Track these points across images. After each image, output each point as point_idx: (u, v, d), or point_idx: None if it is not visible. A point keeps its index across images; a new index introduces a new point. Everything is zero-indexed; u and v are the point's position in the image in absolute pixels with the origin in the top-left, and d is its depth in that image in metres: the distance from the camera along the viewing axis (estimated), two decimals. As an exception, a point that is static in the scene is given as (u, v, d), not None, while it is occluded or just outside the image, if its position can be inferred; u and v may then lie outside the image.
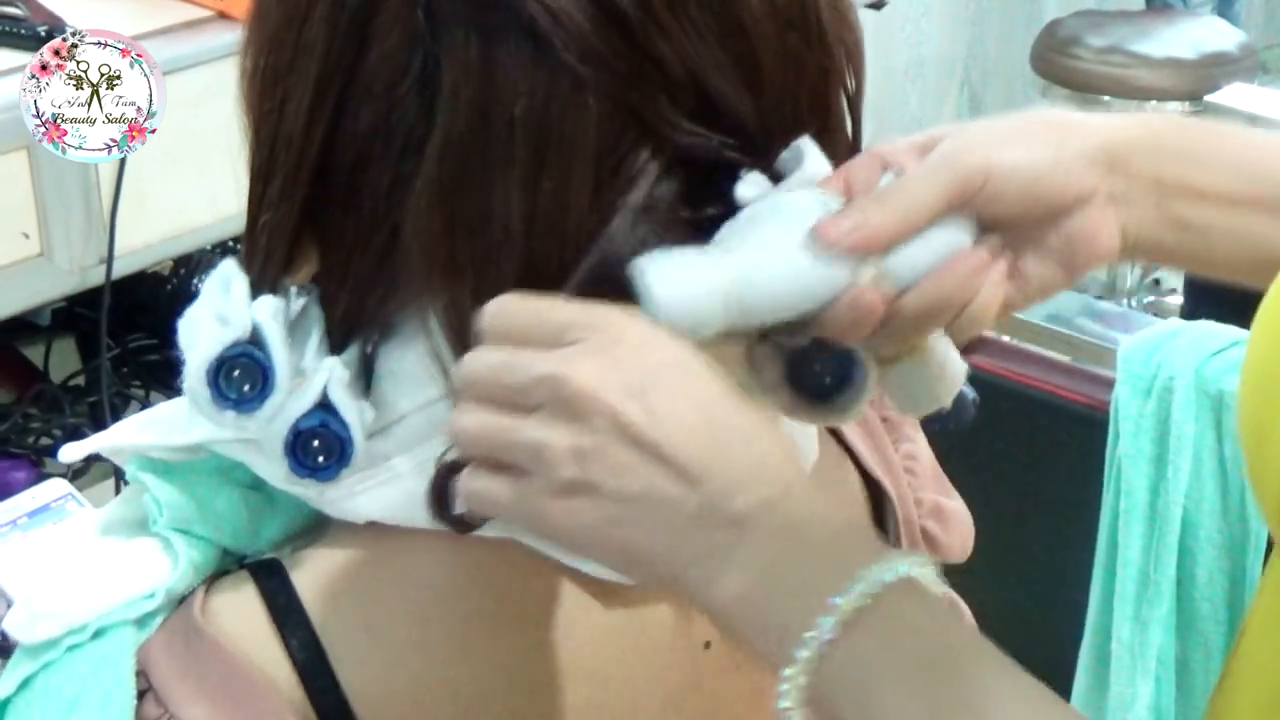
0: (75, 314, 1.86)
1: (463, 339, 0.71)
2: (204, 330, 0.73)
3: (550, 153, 0.69)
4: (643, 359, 0.68)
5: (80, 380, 1.88)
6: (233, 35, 1.73)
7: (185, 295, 1.86)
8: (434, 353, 0.73)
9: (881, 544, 0.68)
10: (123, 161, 1.66)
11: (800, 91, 0.75)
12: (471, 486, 0.70)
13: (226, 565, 0.78)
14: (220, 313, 0.74)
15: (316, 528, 0.79)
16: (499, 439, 0.68)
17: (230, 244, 1.84)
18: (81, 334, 1.90)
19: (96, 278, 1.68)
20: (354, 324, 0.75)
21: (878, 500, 0.89)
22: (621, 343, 0.68)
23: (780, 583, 0.66)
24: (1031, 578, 2.04)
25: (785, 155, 0.74)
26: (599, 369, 0.67)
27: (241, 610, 0.75)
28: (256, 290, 0.74)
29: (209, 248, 1.83)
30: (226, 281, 0.75)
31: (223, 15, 1.80)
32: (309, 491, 0.76)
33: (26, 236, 1.63)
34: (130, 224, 1.69)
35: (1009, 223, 0.75)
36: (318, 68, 0.72)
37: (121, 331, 1.86)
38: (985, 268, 0.74)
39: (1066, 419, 1.96)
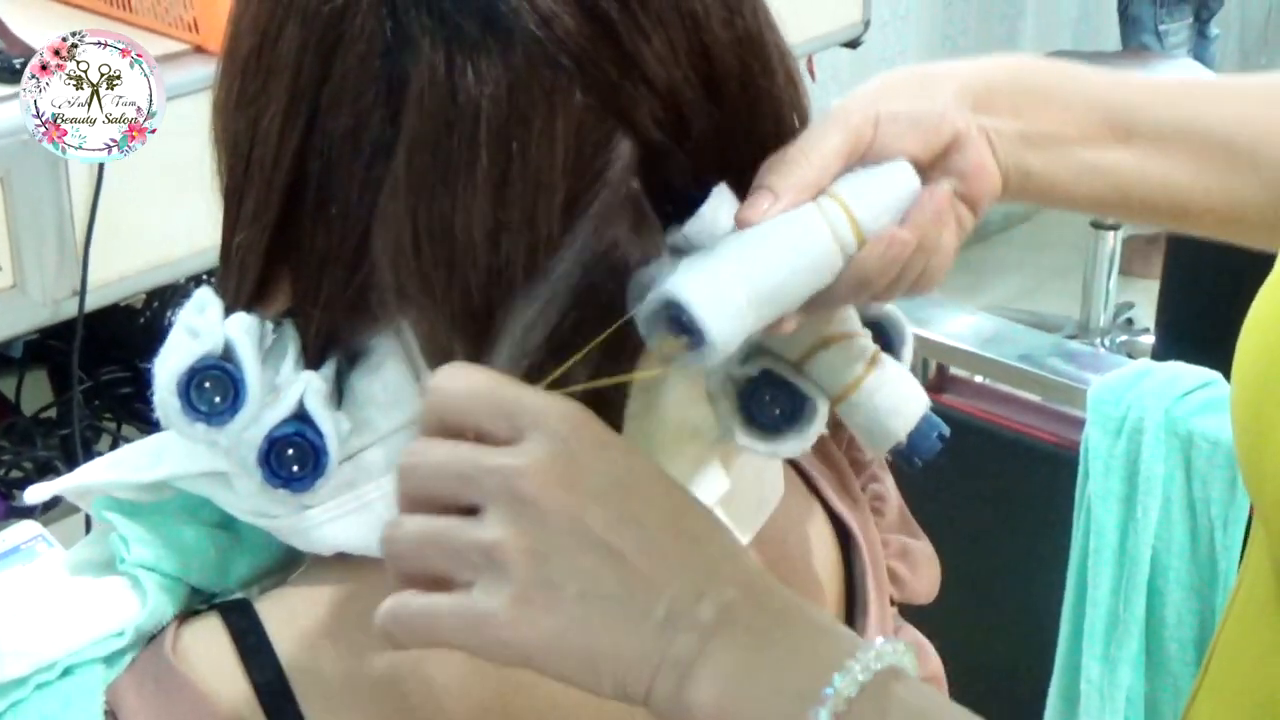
0: (48, 346, 1.86)
1: (435, 350, 0.71)
2: (174, 345, 0.74)
3: (515, 162, 0.70)
4: (603, 462, 0.67)
5: (52, 413, 1.87)
6: (209, 69, 1.73)
7: (158, 328, 1.86)
8: (408, 372, 0.74)
9: (853, 635, 0.68)
10: (97, 193, 1.66)
11: (758, 116, 0.76)
12: (407, 609, 0.66)
13: (195, 604, 0.78)
14: (192, 327, 0.74)
15: (285, 566, 0.79)
16: (445, 543, 0.65)
17: (204, 277, 1.84)
18: (54, 366, 1.90)
19: (69, 310, 1.68)
20: (329, 341, 0.75)
21: (844, 540, 0.89)
22: (580, 443, 0.66)
23: (755, 687, 0.64)
24: (1001, 617, 2.04)
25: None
26: (557, 469, 0.65)
27: (211, 649, 0.75)
28: (230, 311, 0.75)
29: (183, 280, 1.83)
30: (201, 305, 0.75)
31: (199, 49, 1.80)
32: (277, 523, 0.76)
33: (-1, 268, 1.63)
34: (104, 256, 1.68)
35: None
36: (288, 86, 0.72)
37: (94, 364, 1.86)
38: (949, 201, 0.79)
39: (1037, 458, 1.97)
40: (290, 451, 0.73)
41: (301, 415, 0.73)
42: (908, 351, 0.84)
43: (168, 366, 0.73)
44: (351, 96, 0.71)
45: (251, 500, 0.75)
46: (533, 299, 0.70)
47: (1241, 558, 1.83)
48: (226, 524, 0.78)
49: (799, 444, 0.78)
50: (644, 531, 0.66)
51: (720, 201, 0.74)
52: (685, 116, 0.73)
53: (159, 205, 1.72)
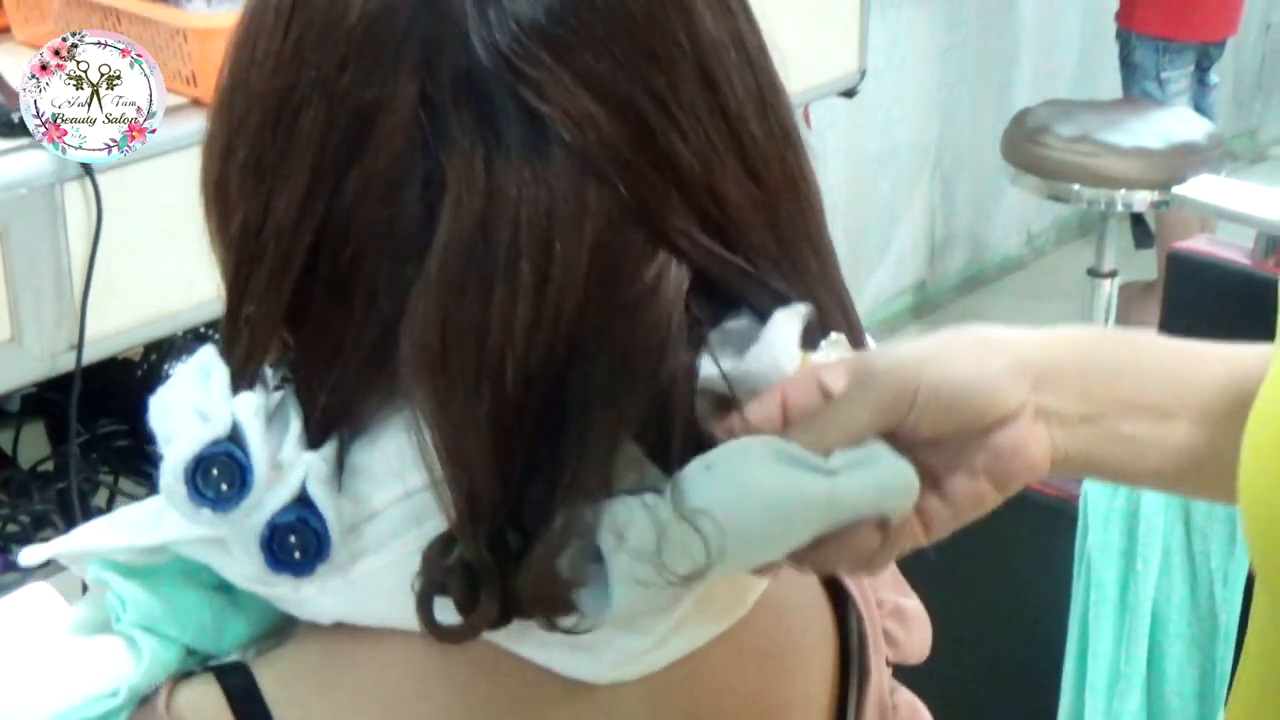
0: (45, 399, 1.86)
1: (450, 443, 0.71)
2: (182, 425, 0.73)
3: (555, 265, 0.70)
4: None
5: (49, 466, 1.87)
6: (207, 123, 1.74)
7: (155, 381, 1.85)
8: (416, 448, 0.72)
9: None
10: (94, 247, 1.66)
11: (801, 209, 0.77)
12: None
13: (190, 666, 0.77)
14: (200, 408, 0.73)
15: (282, 629, 0.78)
16: None
17: (203, 330, 1.84)
18: (51, 419, 1.90)
19: (67, 363, 1.68)
20: (334, 420, 0.74)
21: (839, 599, 0.89)
22: None
23: None
24: (1002, 670, 2.03)
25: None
26: None
27: (207, 711, 0.74)
28: (236, 381, 0.74)
29: (181, 333, 1.83)
30: (206, 371, 0.74)
31: (197, 102, 1.80)
32: (274, 591, 0.75)
33: (-3, 322, 1.63)
34: (102, 310, 1.69)
35: (935, 441, 0.76)
36: (311, 163, 0.71)
37: (91, 417, 1.86)
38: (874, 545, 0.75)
39: (1036, 511, 1.96)
40: (293, 538, 0.72)
41: (304, 500, 0.72)
42: None
43: (175, 452, 0.72)
44: (384, 192, 0.71)
45: (248, 568, 0.74)
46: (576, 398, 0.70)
47: (1243, 612, 1.82)
48: (223, 587, 0.77)
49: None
50: None
51: (782, 328, 0.74)
52: (726, 212, 0.73)
53: (156, 259, 1.72)
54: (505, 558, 0.70)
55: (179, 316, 1.77)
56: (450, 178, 0.70)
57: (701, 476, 0.71)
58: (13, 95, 1.71)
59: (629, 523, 0.69)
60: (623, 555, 0.69)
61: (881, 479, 0.73)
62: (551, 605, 0.71)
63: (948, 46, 4.62)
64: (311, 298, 0.73)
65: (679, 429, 0.72)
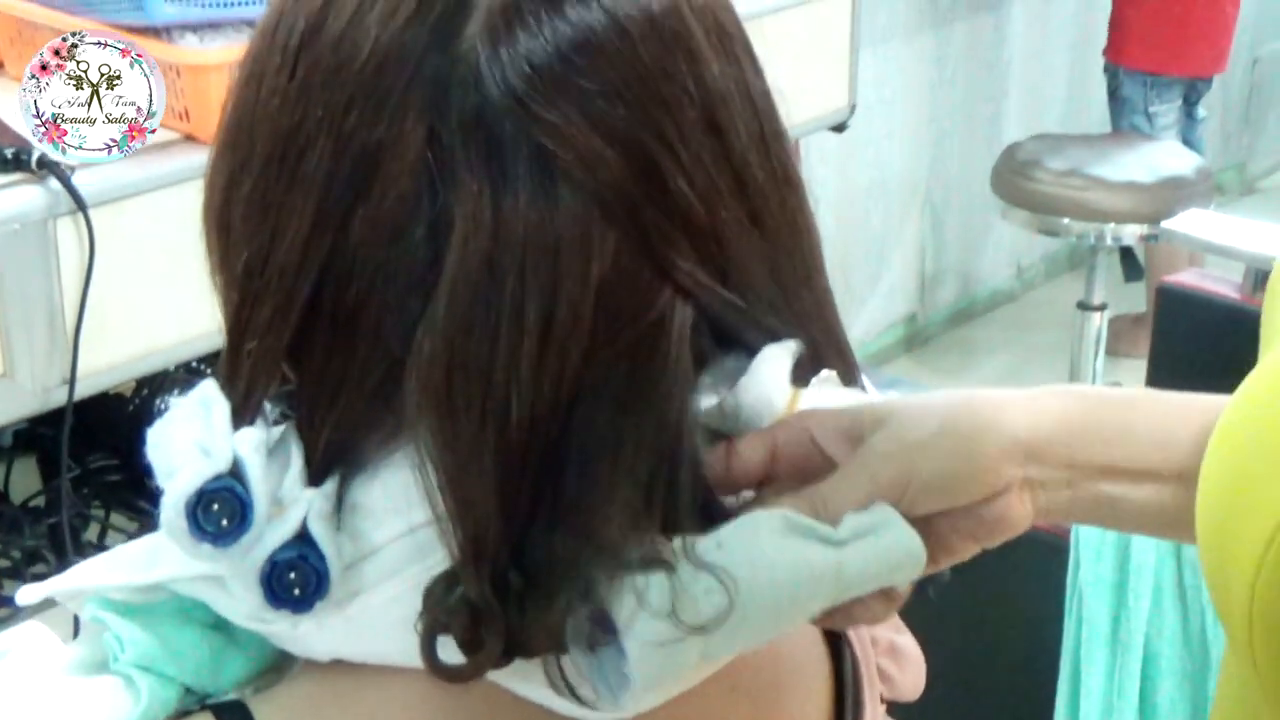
0: (36, 434, 1.86)
1: (455, 481, 0.71)
2: (183, 459, 0.73)
3: (560, 306, 0.70)
4: None
5: (40, 501, 1.87)
6: (200, 158, 1.74)
7: (147, 415, 1.86)
8: (420, 487, 0.72)
9: None
10: (87, 282, 1.66)
11: (800, 250, 0.78)
12: None
13: (188, 705, 0.77)
14: (201, 443, 0.73)
15: (280, 665, 0.78)
16: None
17: (194, 364, 1.84)
18: (43, 454, 1.89)
19: (59, 398, 1.68)
20: (336, 457, 0.74)
21: (834, 638, 0.89)
22: None
23: None
24: (995, 705, 2.03)
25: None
26: None
27: (204, 751, 0.75)
28: (237, 416, 0.74)
29: (173, 368, 1.83)
30: (208, 405, 0.74)
31: (190, 138, 1.81)
32: (273, 628, 0.75)
33: (-11, 357, 1.63)
34: (94, 344, 1.68)
35: (927, 517, 0.77)
36: (316, 202, 0.72)
37: (83, 452, 1.85)
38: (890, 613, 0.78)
39: (1028, 546, 1.95)
40: (292, 575, 0.72)
41: (304, 536, 0.72)
42: None
43: (176, 487, 0.71)
44: (390, 232, 0.71)
45: (247, 605, 0.74)
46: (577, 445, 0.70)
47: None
48: (220, 625, 0.78)
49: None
50: None
51: (771, 362, 0.75)
52: (729, 254, 0.74)
53: (148, 294, 1.72)
54: (507, 597, 0.70)
55: (171, 351, 1.77)
56: (457, 217, 0.70)
57: (714, 555, 0.71)
58: (6, 130, 1.71)
59: (646, 585, 0.69)
60: (641, 618, 0.69)
61: (890, 553, 0.74)
62: (556, 647, 0.71)
63: (937, 81, 4.64)
64: (315, 334, 0.73)
65: (686, 475, 0.73)
